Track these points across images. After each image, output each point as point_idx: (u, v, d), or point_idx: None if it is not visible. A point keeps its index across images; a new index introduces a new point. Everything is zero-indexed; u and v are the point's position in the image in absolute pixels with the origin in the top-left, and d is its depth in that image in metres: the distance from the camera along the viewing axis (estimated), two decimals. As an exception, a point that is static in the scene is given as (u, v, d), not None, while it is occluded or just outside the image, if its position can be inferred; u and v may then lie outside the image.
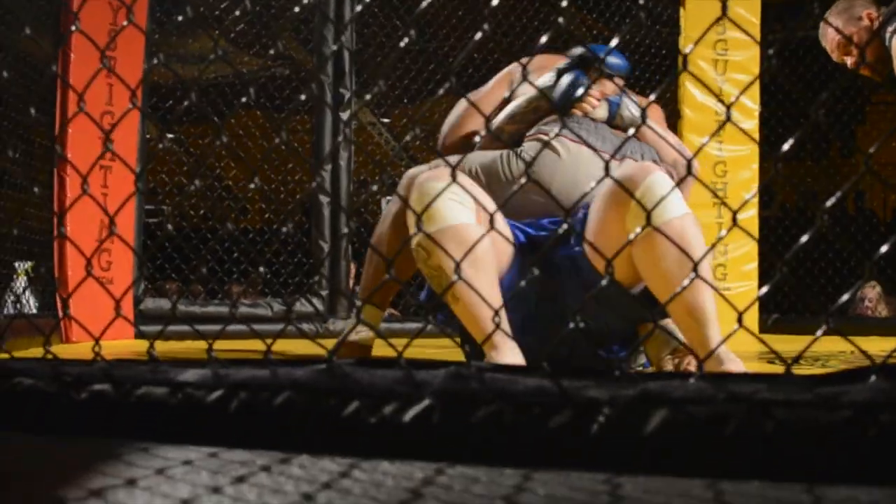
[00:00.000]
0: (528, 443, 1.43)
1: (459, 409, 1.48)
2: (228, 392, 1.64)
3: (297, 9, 6.24)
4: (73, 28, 4.92)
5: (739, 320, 1.60)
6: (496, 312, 1.98)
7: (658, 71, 7.39)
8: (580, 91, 3.72)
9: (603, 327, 3.41)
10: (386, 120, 8.85)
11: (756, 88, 6.89)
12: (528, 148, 3.59)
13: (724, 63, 6.84)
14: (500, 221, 3.35)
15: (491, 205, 3.20)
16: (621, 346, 3.52)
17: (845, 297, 1.95)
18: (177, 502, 1.24)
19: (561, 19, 1.87)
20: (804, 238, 1.76)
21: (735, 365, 3.01)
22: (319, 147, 6.16)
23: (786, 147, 1.73)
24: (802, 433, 1.33)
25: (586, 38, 7.45)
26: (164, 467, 1.43)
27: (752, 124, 6.84)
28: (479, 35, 1.76)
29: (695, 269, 1.79)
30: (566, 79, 3.74)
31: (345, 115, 6.20)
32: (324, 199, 6.10)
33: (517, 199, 3.36)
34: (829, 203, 1.74)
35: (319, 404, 1.56)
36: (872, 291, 7.67)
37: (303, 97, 6.42)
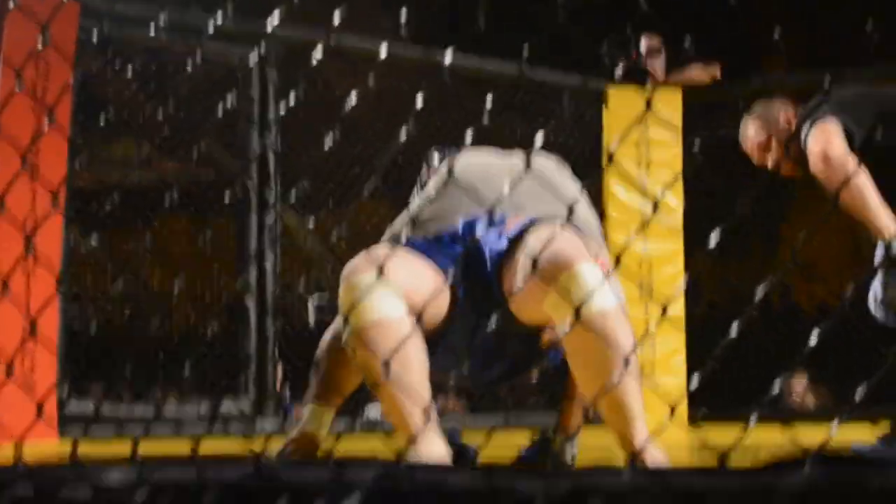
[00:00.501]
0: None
1: (391, 507, 1.45)
2: (153, 493, 1.60)
3: (219, 113, 6.24)
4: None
5: (672, 412, 1.60)
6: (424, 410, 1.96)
7: (582, 172, 7.45)
8: None
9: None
10: (312, 223, 8.84)
11: (679, 186, 6.96)
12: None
13: (647, 161, 6.92)
14: (428, 283, 3.29)
15: (422, 283, 3.21)
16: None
17: (776, 386, 1.96)
18: None
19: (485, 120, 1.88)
20: (734, 328, 1.76)
21: (659, 457, 3.00)
22: (244, 248, 6.14)
23: (712, 242, 1.73)
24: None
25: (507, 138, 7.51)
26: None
27: (675, 221, 6.90)
28: (402, 138, 1.76)
29: (625, 363, 1.78)
30: None
31: (269, 219, 6.19)
32: (249, 303, 6.07)
33: (443, 206, 3.43)
34: (758, 294, 1.75)
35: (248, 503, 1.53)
36: (800, 384, 7.73)
37: (227, 200, 6.41)
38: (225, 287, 6.78)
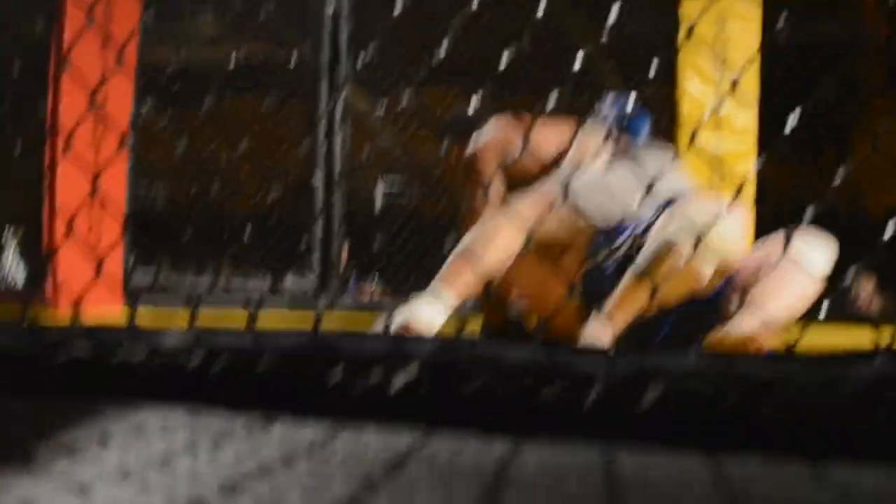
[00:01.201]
0: (520, 414, 1.38)
1: (448, 379, 1.43)
2: (209, 357, 1.59)
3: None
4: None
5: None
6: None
7: (655, 64, 7.34)
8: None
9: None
10: (383, 105, 8.81)
11: (755, 84, 6.84)
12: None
13: (723, 58, 6.80)
14: None
15: None
16: None
17: (844, 286, 1.92)
18: (152, 461, 1.19)
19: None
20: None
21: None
22: (313, 128, 6.13)
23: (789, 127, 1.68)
24: (806, 412, 1.29)
25: (578, 27, 7.39)
26: (140, 426, 1.38)
27: (749, 116, 6.80)
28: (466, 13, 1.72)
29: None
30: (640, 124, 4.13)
31: (339, 99, 6.16)
32: (317, 181, 6.07)
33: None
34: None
35: (303, 371, 1.52)
36: (866, 289, 7.64)
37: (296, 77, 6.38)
38: (294, 165, 6.78)
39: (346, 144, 6.27)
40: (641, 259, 3.39)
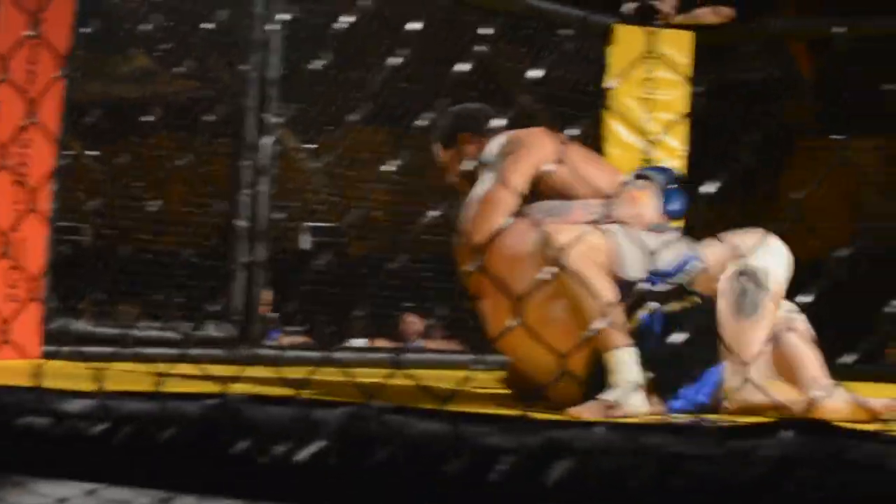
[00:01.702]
0: (425, 488, 1.36)
1: (356, 451, 1.41)
2: (114, 425, 1.56)
3: (212, 26, 6.15)
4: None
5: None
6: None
7: (584, 109, 7.37)
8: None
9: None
10: (313, 146, 8.78)
11: (683, 129, 6.88)
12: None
13: (652, 102, 6.84)
14: None
15: None
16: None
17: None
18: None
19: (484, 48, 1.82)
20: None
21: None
22: (237, 171, 6.08)
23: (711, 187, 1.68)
24: (712, 489, 1.27)
25: (508, 70, 7.41)
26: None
27: (677, 164, 6.84)
28: (396, 61, 1.71)
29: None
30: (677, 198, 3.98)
31: (267, 140, 6.12)
32: (240, 225, 6.01)
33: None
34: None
35: (209, 441, 1.49)
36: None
37: (224, 119, 6.34)
38: (217, 208, 6.73)
39: (273, 186, 6.22)
40: (749, 298, 3.40)
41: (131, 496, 1.40)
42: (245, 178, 6.09)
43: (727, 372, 3.42)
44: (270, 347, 6.35)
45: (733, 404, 3.39)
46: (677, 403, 3.43)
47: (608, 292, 3.33)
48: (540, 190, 3.74)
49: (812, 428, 1.35)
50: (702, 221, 7.63)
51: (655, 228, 3.73)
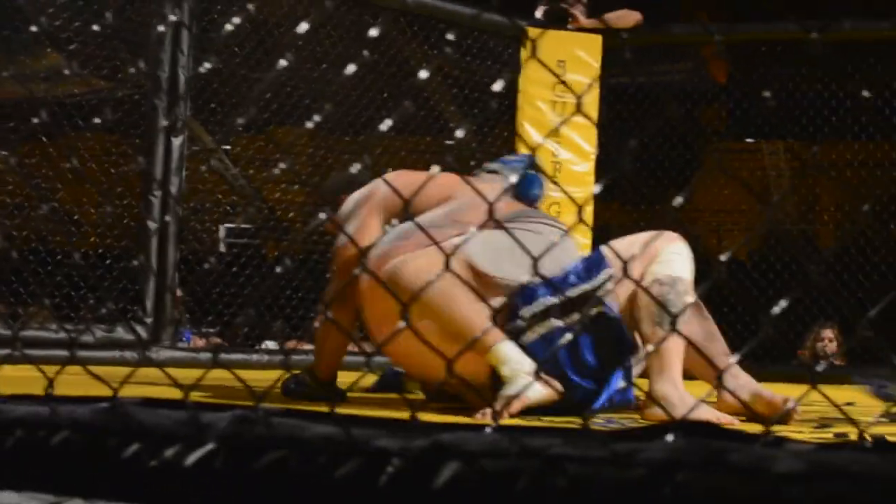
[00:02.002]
0: (313, 492, 1.37)
1: (243, 455, 1.41)
2: (4, 429, 1.55)
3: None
4: None
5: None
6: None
7: (497, 111, 7.40)
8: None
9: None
10: (227, 147, 8.75)
11: (593, 131, 6.93)
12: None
13: (563, 105, 6.88)
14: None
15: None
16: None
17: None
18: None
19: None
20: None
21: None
22: (149, 171, 6.04)
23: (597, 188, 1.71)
24: (595, 491, 1.29)
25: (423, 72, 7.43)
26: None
27: (587, 167, 6.88)
28: (282, 63, 1.71)
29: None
30: (536, 180, 4.05)
31: (177, 140, 6.08)
32: (152, 225, 5.97)
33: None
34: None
35: (99, 445, 1.48)
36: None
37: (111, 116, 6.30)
38: (127, 210, 6.67)
39: (181, 187, 6.19)
40: (670, 306, 3.39)
41: (20, 500, 1.39)
42: (156, 178, 6.05)
43: (651, 382, 3.44)
44: (183, 349, 6.31)
45: (646, 414, 3.42)
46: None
47: (468, 308, 3.35)
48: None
49: (697, 430, 1.36)
50: (614, 223, 7.70)
51: (518, 216, 3.73)
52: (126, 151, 6.98)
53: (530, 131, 6.80)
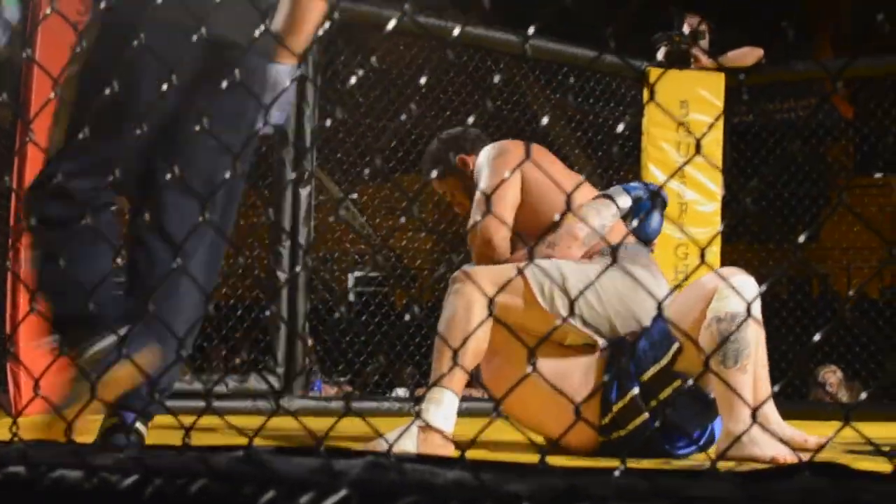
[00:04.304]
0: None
1: (376, 501, 1.43)
2: (143, 478, 1.59)
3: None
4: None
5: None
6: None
7: (622, 153, 7.39)
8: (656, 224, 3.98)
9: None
10: (354, 196, 8.84)
11: (718, 171, 6.89)
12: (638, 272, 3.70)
13: (688, 145, 6.85)
14: None
15: None
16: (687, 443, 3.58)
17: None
18: None
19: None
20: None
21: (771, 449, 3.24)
22: (278, 223, 6.11)
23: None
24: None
25: (547, 112, 7.43)
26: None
27: (713, 207, 6.84)
28: (403, 116, 1.74)
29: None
30: (655, 216, 3.96)
31: (304, 191, 6.15)
32: (282, 276, 6.04)
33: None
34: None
35: (235, 493, 1.51)
36: (833, 377, 7.62)
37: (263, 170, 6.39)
38: (257, 261, 6.76)
39: (309, 237, 6.25)
40: (732, 346, 3.34)
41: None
42: (285, 229, 6.12)
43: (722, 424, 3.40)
44: (315, 398, 6.37)
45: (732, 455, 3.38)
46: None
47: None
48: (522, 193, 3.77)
49: (827, 471, 1.36)
50: (740, 262, 7.62)
51: (627, 251, 3.71)
52: (255, 203, 7.08)
53: (655, 172, 6.78)
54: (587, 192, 3.87)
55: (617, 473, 1.38)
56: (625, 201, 3.82)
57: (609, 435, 3.44)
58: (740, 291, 3.29)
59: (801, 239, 1.98)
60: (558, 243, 3.66)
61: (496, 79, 6.80)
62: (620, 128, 7.07)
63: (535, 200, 3.75)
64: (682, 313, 3.39)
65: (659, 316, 3.36)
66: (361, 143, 7.03)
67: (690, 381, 3.40)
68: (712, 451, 3.50)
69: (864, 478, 1.33)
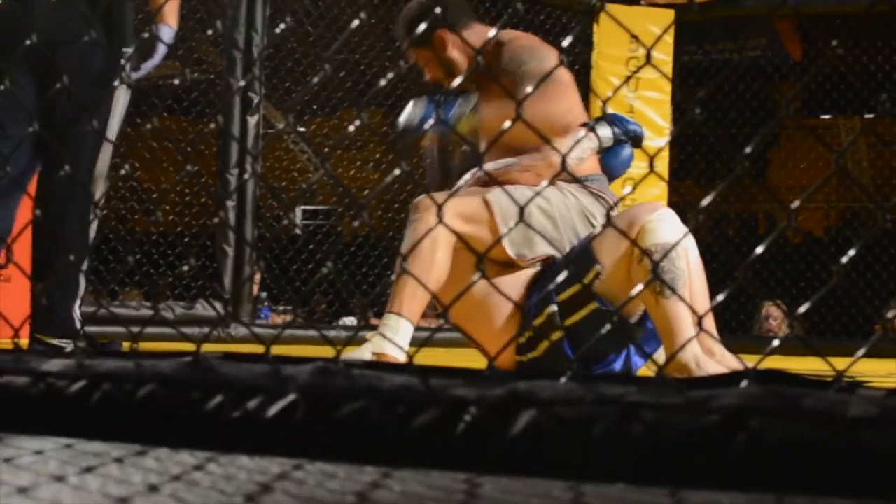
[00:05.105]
0: (393, 441, 1.40)
1: (324, 406, 1.44)
2: (91, 383, 1.59)
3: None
4: None
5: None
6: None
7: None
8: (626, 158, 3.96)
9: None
10: (302, 129, 8.80)
11: (667, 107, 6.92)
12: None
13: (636, 80, 6.86)
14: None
15: None
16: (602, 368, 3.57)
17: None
18: (13, 490, 1.18)
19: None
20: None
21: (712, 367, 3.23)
22: (226, 151, 6.09)
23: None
24: (671, 437, 1.30)
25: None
26: (12, 456, 1.37)
27: (662, 142, 6.87)
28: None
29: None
30: (627, 151, 3.92)
31: (252, 119, 6.13)
32: (230, 204, 6.02)
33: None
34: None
35: (182, 398, 1.52)
36: (776, 311, 7.69)
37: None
38: (207, 189, 6.74)
39: (258, 167, 6.23)
40: (664, 273, 3.34)
41: (106, 449, 1.43)
42: (232, 158, 6.10)
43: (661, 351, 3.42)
44: (262, 326, 6.37)
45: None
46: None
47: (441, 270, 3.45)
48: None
49: (770, 377, 1.38)
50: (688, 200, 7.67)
51: (585, 180, 3.72)
52: (202, 132, 7.05)
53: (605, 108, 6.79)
54: (579, 115, 3.87)
55: (563, 380, 1.40)
56: (605, 132, 3.84)
57: (525, 355, 3.46)
58: (665, 224, 3.31)
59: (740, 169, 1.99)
60: (529, 170, 3.67)
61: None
62: (568, 60, 7.06)
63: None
64: (612, 242, 3.40)
65: (587, 239, 3.43)
66: (310, 74, 7.00)
67: (612, 308, 3.41)
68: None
69: (805, 384, 1.36)
